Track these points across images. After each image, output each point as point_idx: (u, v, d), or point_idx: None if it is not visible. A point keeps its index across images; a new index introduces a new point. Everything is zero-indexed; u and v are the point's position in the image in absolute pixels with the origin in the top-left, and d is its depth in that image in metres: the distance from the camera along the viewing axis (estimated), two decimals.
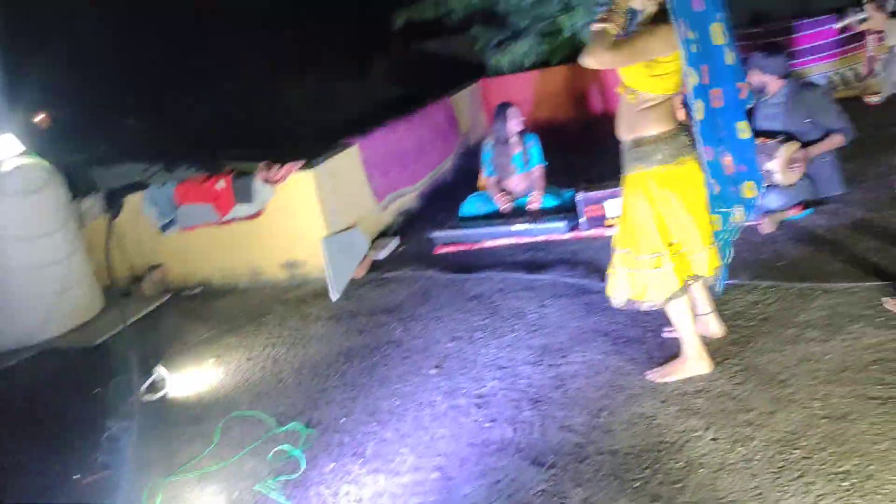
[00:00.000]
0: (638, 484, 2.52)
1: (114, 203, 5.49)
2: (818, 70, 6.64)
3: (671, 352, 3.21)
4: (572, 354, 3.43)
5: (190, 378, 4.05)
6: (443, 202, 6.33)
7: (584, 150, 6.61)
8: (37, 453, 3.57)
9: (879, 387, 2.74)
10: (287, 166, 5.01)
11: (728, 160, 2.91)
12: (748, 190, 3.01)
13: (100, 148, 7.09)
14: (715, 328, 3.27)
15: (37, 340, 4.99)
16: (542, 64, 8.08)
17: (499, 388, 3.29)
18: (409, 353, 3.81)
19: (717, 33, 2.75)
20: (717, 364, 3.08)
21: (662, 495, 2.44)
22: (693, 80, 2.72)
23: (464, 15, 8.30)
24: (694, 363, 3.05)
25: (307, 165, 5.04)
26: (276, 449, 3.15)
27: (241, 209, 5.15)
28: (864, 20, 2.86)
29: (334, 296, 4.74)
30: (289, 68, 10.88)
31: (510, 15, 7.98)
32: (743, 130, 2.90)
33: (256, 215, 5.15)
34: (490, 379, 3.38)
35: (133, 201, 5.50)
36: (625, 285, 3.04)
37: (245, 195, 5.10)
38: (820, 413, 2.67)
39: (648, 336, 3.44)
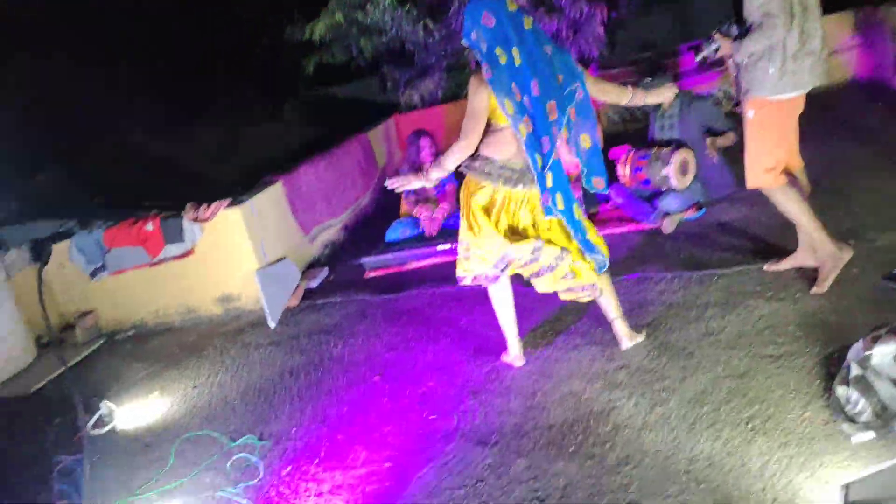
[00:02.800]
0: (573, 448, 2.81)
1: (40, 253, 5.50)
2: (704, 89, 7.34)
3: (598, 339, 3.56)
4: (503, 350, 3.71)
5: (136, 411, 4.12)
6: (366, 232, 6.58)
7: None
8: None
9: (772, 346, 3.14)
10: (214, 205, 5.16)
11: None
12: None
13: (10, 207, 7.04)
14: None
15: None
16: (452, 97, 8.48)
17: (438, 386, 3.54)
18: (351, 366, 4.02)
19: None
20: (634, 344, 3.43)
21: (595, 454, 2.73)
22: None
23: (373, 56, 8.64)
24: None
25: (234, 203, 5.21)
26: (233, 458, 3.30)
27: (172, 249, 5.26)
28: (718, 49, 3.40)
29: (272, 323, 4.89)
30: (204, 114, 11.02)
31: (417, 53, 8.37)
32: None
33: (187, 254, 5.26)
34: (429, 379, 3.63)
35: (59, 250, 5.52)
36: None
37: (174, 235, 5.21)
38: (723, 374, 3.04)
39: (571, 328, 3.78)
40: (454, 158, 3.19)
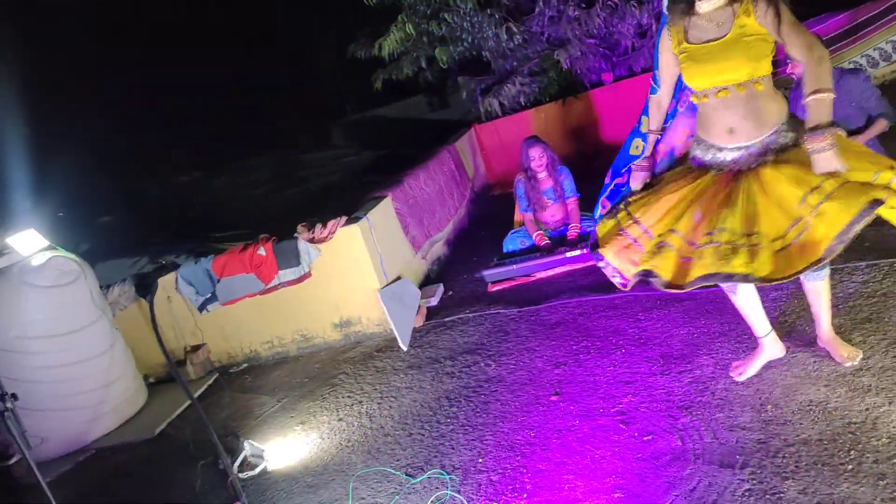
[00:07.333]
0: (851, 466, 2.38)
1: (146, 287, 5.23)
2: (857, 51, 6.71)
3: (804, 340, 3.13)
4: (698, 358, 3.31)
5: (281, 448, 3.78)
6: (468, 245, 6.25)
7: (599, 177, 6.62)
8: None
9: None
10: (331, 223, 4.85)
11: None
12: None
13: (110, 241, 6.91)
14: None
15: (88, 440, 4.66)
16: (535, 102, 8.12)
17: (637, 402, 3.14)
18: (516, 386, 3.64)
19: None
20: (863, 342, 3.01)
21: (885, 473, 2.31)
22: None
23: (447, 66, 8.34)
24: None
25: (351, 220, 4.89)
26: (432, 498, 2.92)
27: (287, 274, 4.94)
28: None
29: (404, 346, 4.54)
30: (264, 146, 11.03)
31: (493, 60, 8.05)
32: None
33: (303, 278, 4.94)
34: (622, 395, 3.23)
35: (164, 283, 5.24)
36: None
37: (290, 259, 4.90)
38: None
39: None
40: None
